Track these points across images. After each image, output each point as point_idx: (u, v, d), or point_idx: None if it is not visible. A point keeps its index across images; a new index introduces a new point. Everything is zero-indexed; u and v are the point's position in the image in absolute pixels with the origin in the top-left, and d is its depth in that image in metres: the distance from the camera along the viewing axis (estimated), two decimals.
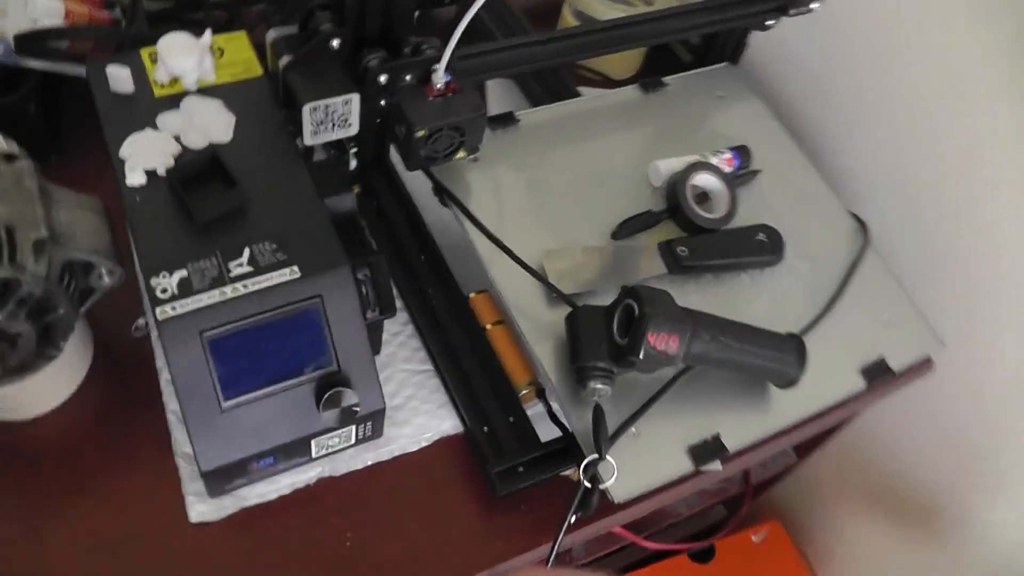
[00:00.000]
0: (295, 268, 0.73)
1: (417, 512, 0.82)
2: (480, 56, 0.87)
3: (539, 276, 0.82)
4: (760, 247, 0.90)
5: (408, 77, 0.82)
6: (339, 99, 0.78)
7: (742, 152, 0.97)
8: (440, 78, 0.81)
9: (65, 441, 0.83)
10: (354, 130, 0.81)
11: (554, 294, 0.82)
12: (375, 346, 0.86)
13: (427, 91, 0.82)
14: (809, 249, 0.94)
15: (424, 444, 0.85)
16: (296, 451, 0.78)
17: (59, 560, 0.76)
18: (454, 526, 0.81)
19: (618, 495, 0.76)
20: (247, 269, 0.72)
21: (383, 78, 0.81)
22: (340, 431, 0.78)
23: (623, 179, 0.95)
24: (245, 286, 0.71)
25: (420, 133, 0.81)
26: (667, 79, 1.06)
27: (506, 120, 0.97)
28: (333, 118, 0.79)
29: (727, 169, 0.94)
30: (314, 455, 0.80)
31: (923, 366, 0.94)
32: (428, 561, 0.79)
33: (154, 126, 0.78)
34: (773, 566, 1.35)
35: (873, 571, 1.35)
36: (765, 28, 1.03)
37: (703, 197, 0.93)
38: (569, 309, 0.80)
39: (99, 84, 0.81)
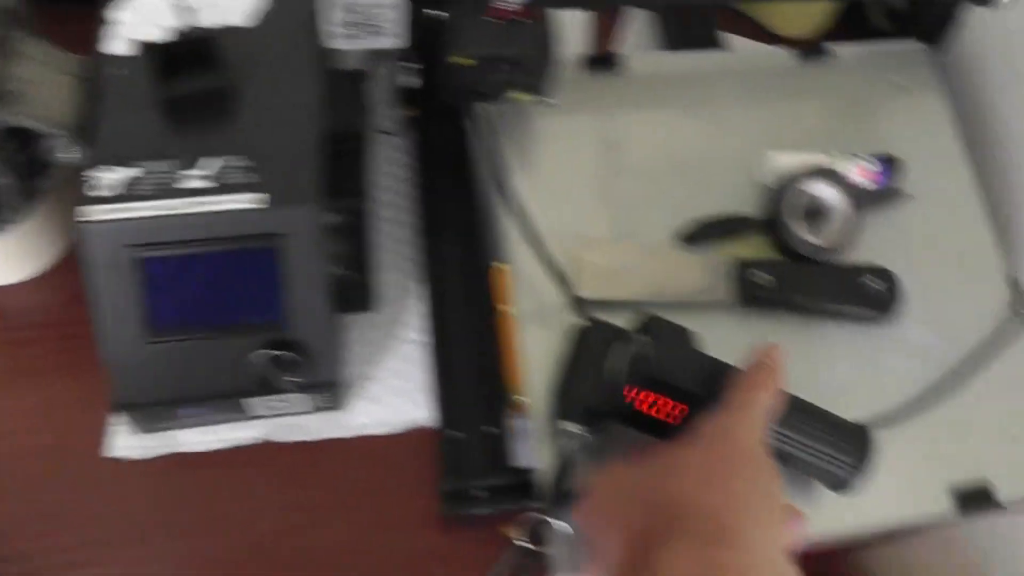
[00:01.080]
0: (258, 195, 0.60)
1: (359, 508, 0.69)
2: None
3: (553, 265, 0.64)
4: (867, 296, 0.68)
5: None
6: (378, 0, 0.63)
7: (888, 164, 0.73)
8: None
9: (14, 321, 0.76)
10: (399, 42, 0.66)
11: (591, 288, 0.66)
12: (363, 303, 0.73)
13: (490, 10, 0.65)
14: (938, 315, 0.72)
15: (392, 431, 0.71)
16: (233, 407, 0.67)
17: None
18: (394, 537, 0.68)
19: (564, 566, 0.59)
20: (205, 184, 0.60)
21: None
22: (289, 396, 0.66)
23: (729, 168, 0.75)
24: (194, 204, 0.59)
25: (462, 61, 0.64)
26: (837, 47, 0.83)
27: (608, 63, 0.78)
28: (372, 22, 0.64)
29: (863, 183, 0.72)
30: (259, 414, 0.69)
31: None
32: (349, 570, 0.67)
33: None
34: None
35: None
36: (994, 5, 0.77)
37: (817, 213, 0.71)
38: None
39: None
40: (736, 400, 0.54)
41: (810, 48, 0.82)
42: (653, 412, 0.56)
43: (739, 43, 0.92)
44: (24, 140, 0.64)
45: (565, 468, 0.59)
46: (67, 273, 0.77)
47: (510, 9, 0.65)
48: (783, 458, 0.59)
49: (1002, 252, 0.76)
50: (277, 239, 0.60)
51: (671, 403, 0.55)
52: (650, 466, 0.53)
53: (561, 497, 0.58)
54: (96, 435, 0.70)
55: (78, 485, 0.69)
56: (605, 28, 0.92)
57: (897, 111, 0.80)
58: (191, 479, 0.69)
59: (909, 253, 0.73)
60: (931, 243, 0.74)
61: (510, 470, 0.67)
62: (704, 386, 0.56)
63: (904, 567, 1.15)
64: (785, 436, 0.58)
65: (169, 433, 0.70)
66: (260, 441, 0.70)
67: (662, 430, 0.57)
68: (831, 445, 0.59)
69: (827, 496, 0.63)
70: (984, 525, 0.74)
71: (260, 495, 0.69)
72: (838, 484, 0.60)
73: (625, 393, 0.56)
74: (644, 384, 0.55)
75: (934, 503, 0.66)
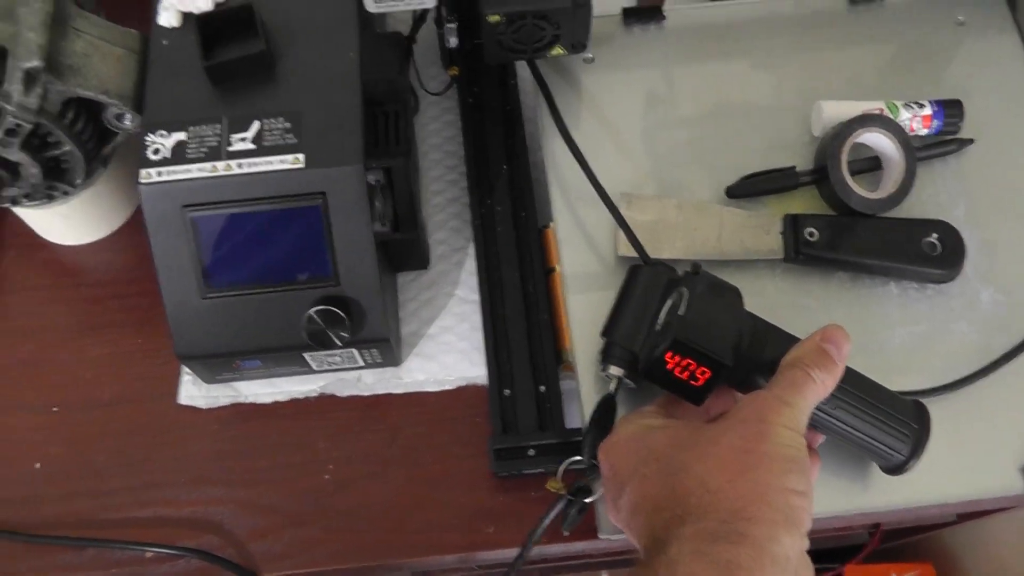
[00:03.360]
0: (300, 156, 0.62)
1: (412, 464, 0.71)
2: None
3: (615, 211, 0.65)
4: (927, 253, 0.65)
5: None
6: None
7: (950, 109, 0.70)
8: None
9: (86, 279, 0.80)
10: (428, 2, 0.66)
11: (630, 248, 0.65)
12: (420, 261, 0.75)
13: None
14: (1007, 273, 0.68)
15: (446, 387, 0.73)
16: (289, 360, 0.70)
17: (50, 399, 0.75)
18: (447, 493, 0.70)
19: (607, 523, 0.60)
20: (249, 146, 0.63)
21: None
22: (340, 351, 0.68)
23: (777, 120, 0.72)
24: (240, 165, 0.62)
25: (493, 18, 0.64)
26: None
27: (648, 15, 0.76)
28: None
29: (919, 130, 0.69)
30: (315, 368, 0.71)
31: None
32: (402, 524, 0.69)
33: None
34: None
35: None
36: None
37: (873, 164, 0.69)
38: None
39: None
40: (782, 384, 0.52)
41: None
42: (680, 372, 0.55)
43: None
44: (86, 110, 0.67)
45: (603, 411, 0.59)
46: (134, 234, 0.80)
47: None
48: (821, 430, 0.57)
49: None
50: (320, 198, 0.62)
51: (696, 366, 0.54)
52: (678, 438, 0.52)
53: (596, 441, 0.58)
54: (163, 385, 0.74)
55: (146, 431, 0.73)
56: None
57: (960, 52, 0.76)
58: (253, 429, 0.72)
59: (973, 205, 0.69)
60: (998, 193, 0.70)
61: (561, 430, 0.67)
62: (739, 357, 0.55)
63: (985, 546, 1.13)
64: (834, 420, 0.56)
65: (232, 384, 0.73)
66: (318, 394, 0.73)
67: (686, 392, 0.56)
68: (883, 432, 0.56)
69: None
70: None
71: (319, 447, 0.71)
72: (890, 469, 0.58)
73: (667, 359, 0.55)
74: (672, 345, 0.55)
75: (1002, 480, 0.62)
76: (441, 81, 0.77)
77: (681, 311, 0.56)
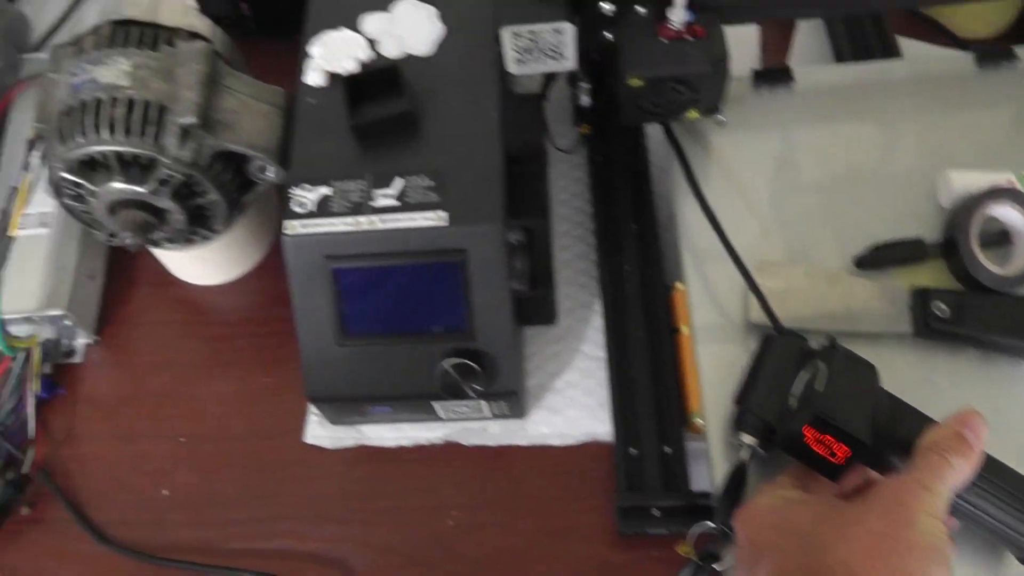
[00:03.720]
0: (443, 213, 0.64)
1: (535, 515, 0.72)
2: None
3: (750, 279, 0.66)
4: None
5: (641, 9, 0.66)
6: (547, 26, 0.64)
7: None
8: (679, 16, 0.64)
9: (217, 317, 0.83)
10: (570, 65, 0.67)
11: (761, 314, 0.65)
12: (547, 316, 0.76)
13: (660, 30, 0.66)
14: None
15: (570, 442, 0.74)
16: (418, 408, 0.72)
17: (179, 430, 0.78)
18: (570, 546, 0.70)
19: None
20: (392, 203, 0.65)
21: (607, 7, 0.65)
22: (469, 402, 0.70)
23: (904, 186, 0.72)
24: (383, 220, 0.64)
25: (634, 82, 0.65)
26: (1022, 50, 0.78)
27: (776, 77, 0.77)
28: (543, 47, 0.66)
29: None
30: (442, 417, 0.73)
31: None
32: (524, 574, 0.70)
33: (353, 26, 0.72)
34: None
35: None
36: None
37: (1001, 239, 0.69)
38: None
39: None
40: (922, 469, 0.52)
41: (992, 51, 0.78)
42: (818, 447, 0.55)
43: (914, 48, 0.88)
44: (231, 162, 0.70)
45: (736, 479, 0.60)
46: (264, 278, 0.83)
47: (679, 28, 0.65)
48: (966, 520, 0.56)
49: None
50: (460, 255, 0.64)
51: (835, 442, 0.55)
52: (818, 514, 0.52)
53: (730, 508, 0.59)
54: (289, 423, 0.76)
55: (272, 467, 0.75)
56: (775, 42, 0.91)
57: None
58: (378, 471, 0.74)
59: None
60: None
61: (686, 492, 0.67)
62: (874, 435, 0.55)
63: None
64: (970, 506, 0.55)
65: (358, 427, 0.75)
66: (444, 442, 0.74)
67: (823, 467, 0.56)
68: (1021, 521, 0.55)
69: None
70: None
71: (442, 493, 0.73)
72: None
73: (806, 433, 0.56)
74: (812, 421, 0.55)
75: None
76: (570, 138, 0.79)
77: (819, 386, 0.57)
